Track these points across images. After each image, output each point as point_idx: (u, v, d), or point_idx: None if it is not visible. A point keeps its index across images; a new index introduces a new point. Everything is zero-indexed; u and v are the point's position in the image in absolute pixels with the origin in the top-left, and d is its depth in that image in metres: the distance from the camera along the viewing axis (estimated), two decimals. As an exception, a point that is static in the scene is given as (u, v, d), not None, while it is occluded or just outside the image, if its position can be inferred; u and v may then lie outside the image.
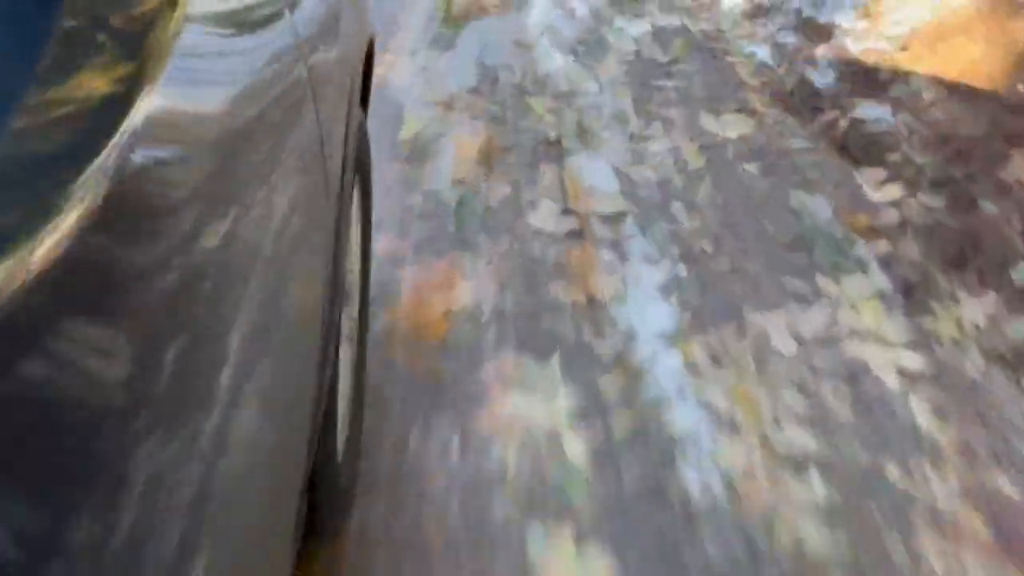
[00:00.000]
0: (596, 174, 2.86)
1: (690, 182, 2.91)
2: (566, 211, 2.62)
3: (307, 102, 1.09)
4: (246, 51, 0.92)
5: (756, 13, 4.55)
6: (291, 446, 0.91)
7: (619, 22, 4.43)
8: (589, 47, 4.03)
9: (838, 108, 3.45)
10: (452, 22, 4.06)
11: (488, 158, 2.89)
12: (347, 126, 1.41)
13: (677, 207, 2.75)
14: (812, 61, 3.79)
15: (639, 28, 4.36)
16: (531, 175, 2.81)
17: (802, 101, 3.55)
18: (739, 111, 3.50)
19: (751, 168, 3.06)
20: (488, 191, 2.66)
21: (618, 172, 2.92)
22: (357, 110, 1.59)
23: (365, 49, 1.74)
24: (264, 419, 0.77)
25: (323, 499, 1.38)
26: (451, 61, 3.68)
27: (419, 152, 2.92)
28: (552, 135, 3.10)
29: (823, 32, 3.95)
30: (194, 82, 0.72)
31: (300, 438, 0.98)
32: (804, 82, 3.65)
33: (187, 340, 0.61)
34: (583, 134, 3.13)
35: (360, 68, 1.65)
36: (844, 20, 3.96)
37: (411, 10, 4.28)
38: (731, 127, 3.37)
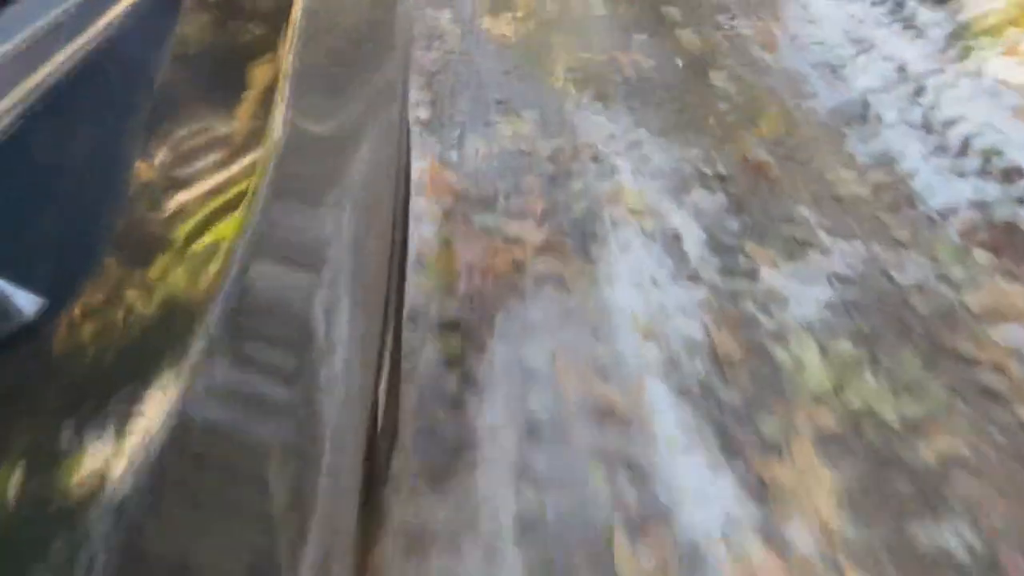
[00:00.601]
0: None
1: None
2: None
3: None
4: None
5: (1004, 239, 2.49)
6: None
7: (768, 273, 2.34)
8: (745, 390, 1.94)
9: None
10: (455, 330, 1.89)
11: None
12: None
13: None
14: None
15: (811, 292, 2.28)
16: None
17: None
18: None
19: None
20: None
21: None
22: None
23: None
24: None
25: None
26: (452, 540, 1.50)
27: None
28: None
29: None
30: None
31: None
32: None
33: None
34: None
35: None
36: None
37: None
38: None
